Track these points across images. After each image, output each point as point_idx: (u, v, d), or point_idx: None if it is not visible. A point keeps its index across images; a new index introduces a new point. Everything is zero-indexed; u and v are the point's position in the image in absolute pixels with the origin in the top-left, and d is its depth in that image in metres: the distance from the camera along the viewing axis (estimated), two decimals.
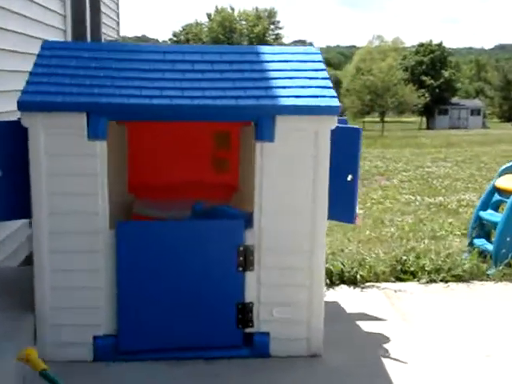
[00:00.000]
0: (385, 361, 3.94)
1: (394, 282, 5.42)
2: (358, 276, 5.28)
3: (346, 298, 5.05)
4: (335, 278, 5.32)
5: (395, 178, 12.89)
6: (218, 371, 3.80)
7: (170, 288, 3.84)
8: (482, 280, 5.47)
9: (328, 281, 5.28)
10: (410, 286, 5.33)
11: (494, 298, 5.12)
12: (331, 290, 5.23)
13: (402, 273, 5.51)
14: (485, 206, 6.02)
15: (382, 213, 8.96)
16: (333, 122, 3.80)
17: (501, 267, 5.49)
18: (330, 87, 3.91)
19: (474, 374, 3.81)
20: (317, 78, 4.00)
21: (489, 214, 5.93)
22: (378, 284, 5.35)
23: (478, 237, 5.98)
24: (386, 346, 4.14)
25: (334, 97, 3.83)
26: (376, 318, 4.61)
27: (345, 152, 4.05)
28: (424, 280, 5.41)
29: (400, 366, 3.87)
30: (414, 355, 4.02)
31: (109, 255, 3.78)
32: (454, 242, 6.68)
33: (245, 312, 3.91)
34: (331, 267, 5.33)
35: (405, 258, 5.61)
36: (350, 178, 4.05)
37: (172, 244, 3.81)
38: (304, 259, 3.90)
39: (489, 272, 5.52)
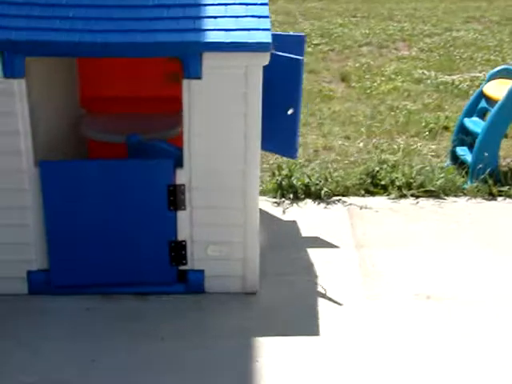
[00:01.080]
0: (320, 301, 3.87)
1: (363, 195, 5.25)
2: (323, 192, 5.12)
3: (307, 216, 4.93)
4: (300, 193, 5.17)
5: (417, 45, 12.25)
6: (152, 306, 3.82)
7: (101, 226, 3.77)
8: (456, 195, 5.26)
9: (292, 195, 5.15)
10: (378, 202, 5.17)
11: (462, 217, 4.94)
12: (295, 205, 5.10)
13: (373, 186, 5.32)
14: (471, 112, 5.68)
15: (386, 95, 8.59)
16: (265, 59, 3.51)
17: (475, 183, 5.25)
18: (266, 16, 3.59)
19: (410, 316, 3.72)
20: (255, 4, 3.66)
21: (472, 122, 5.60)
22: (345, 199, 5.19)
23: (461, 145, 5.69)
24: (326, 281, 4.06)
25: (267, 30, 3.51)
26: (329, 245, 4.51)
27: (284, 84, 3.80)
28: (393, 195, 5.22)
29: (334, 308, 3.81)
30: (353, 293, 3.94)
31: (36, 193, 3.70)
32: (441, 145, 6.39)
33: (177, 250, 3.85)
34: (295, 182, 5.18)
35: (377, 169, 5.39)
36: (290, 111, 3.81)
37: (99, 183, 3.69)
38: (237, 198, 3.77)
39: (464, 186, 5.29)
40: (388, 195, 5.24)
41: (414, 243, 4.53)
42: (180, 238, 3.83)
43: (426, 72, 9.98)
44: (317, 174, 5.34)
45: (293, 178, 5.20)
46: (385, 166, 5.45)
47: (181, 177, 3.71)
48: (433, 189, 5.20)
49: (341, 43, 12.24)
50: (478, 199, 5.20)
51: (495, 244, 4.52)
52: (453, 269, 4.22)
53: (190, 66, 3.51)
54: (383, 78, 9.59)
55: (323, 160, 5.68)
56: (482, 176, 5.23)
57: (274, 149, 3.93)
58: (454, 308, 3.82)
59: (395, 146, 6.23)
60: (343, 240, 4.56)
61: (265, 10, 3.62)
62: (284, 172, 5.23)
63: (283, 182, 5.18)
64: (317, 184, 5.19)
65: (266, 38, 3.47)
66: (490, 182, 5.23)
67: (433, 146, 6.30)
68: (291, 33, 4.54)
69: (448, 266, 4.25)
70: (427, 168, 5.45)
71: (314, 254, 4.38)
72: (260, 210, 4.88)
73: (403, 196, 5.22)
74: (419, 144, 6.34)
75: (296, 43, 4.38)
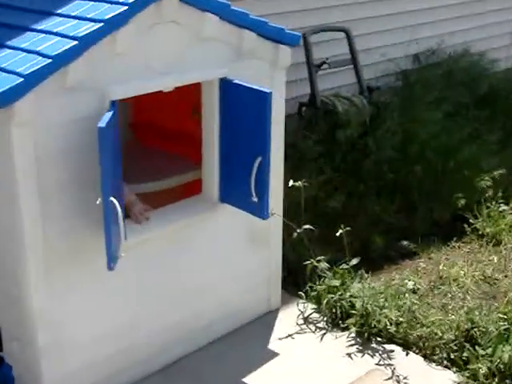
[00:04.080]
0: None
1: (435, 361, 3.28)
2: (354, 330, 3.39)
3: (303, 357, 3.35)
4: (343, 319, 3.52)
5: None
6: None
7: None
8: None
9: (330, 318, 3.55)
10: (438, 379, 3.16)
11: None
12: (318, 333, 3.50)
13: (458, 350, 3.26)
14: None
15: None
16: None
17: None
18: (50, 56, 2.47)
19: None
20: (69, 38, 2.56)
21: None
22: (399, 351, 3.33)
23: None
24: None
25: (18, 75, 2.42)
26: None
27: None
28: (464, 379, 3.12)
29: None
30: None
31: None
32: None
33: None
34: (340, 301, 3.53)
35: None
36: (98, 201, 2.59)
37: None
38: (13, 305, 2.82)
39: None
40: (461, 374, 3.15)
41: None
42: None
43: None
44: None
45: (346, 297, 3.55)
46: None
47: None
48: None
49: None
50: None
51: None
52: None
53: None
54: None
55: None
56: None
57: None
58: None
59: None
60: None
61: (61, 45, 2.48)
62: (335, 282, 3.59)
63: (323, 297, 3.59)
64: (369, 313, 3.44)
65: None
66: None
67: None
68: (256, 87, 2.93)
69: None
70: None
71: None
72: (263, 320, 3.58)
73: None
74: None
75: (257, 100, 2.92)
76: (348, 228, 3.64)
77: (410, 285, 3.70)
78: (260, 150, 2.96)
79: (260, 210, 3.06)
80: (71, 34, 2.55)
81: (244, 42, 3.07)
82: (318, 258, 3.63)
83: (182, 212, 3.18)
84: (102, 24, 2.57)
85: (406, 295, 3.54)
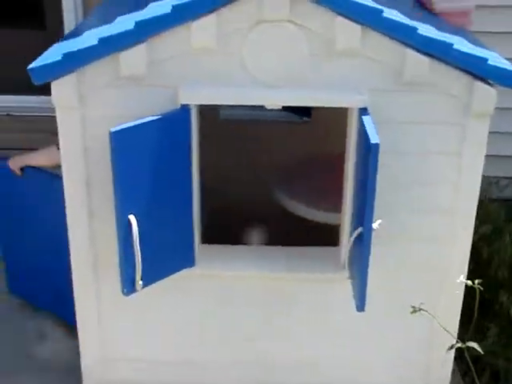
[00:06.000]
0: None
1: None
2: None
3: None
4: None
5: None
6: None
7: None
8: None
9: None
10: None
11: None
12: None
13: None
14: None
15: None
16: None
17: None
18: (99, 39, 2.16)
19: None
20: None
21: None
22: None
23: None
24: None
25: None
26: None
27: None
28: None
29: None
30: None
31: None
32: None
33: None
34: None
35: None
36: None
37: None
38: None
39: None
40: None
41: None
42: None
43: None
44: None
45: None
46: None
47: None
48: None
49: None
50: None
51: None
52: None
53: None
54: None
55: None
56: None
57: None
58: None
59: None
60: None
61: None
62: None
63: None
64: None
65: None
66: None
67: None
68: (370, 131, 1.79)
69: None
70: None
71: None
72: None
73: None
74: None
75: (367, 150, 2.07)
76: None
77: None
78: (361, 217, 2.11)
79: (356, 297, 2.21)
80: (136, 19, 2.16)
81: (406, 66, 2.17)
82: None
83: (294, 261, 2.52)
84: (169, 10, 2.10)
85: None
